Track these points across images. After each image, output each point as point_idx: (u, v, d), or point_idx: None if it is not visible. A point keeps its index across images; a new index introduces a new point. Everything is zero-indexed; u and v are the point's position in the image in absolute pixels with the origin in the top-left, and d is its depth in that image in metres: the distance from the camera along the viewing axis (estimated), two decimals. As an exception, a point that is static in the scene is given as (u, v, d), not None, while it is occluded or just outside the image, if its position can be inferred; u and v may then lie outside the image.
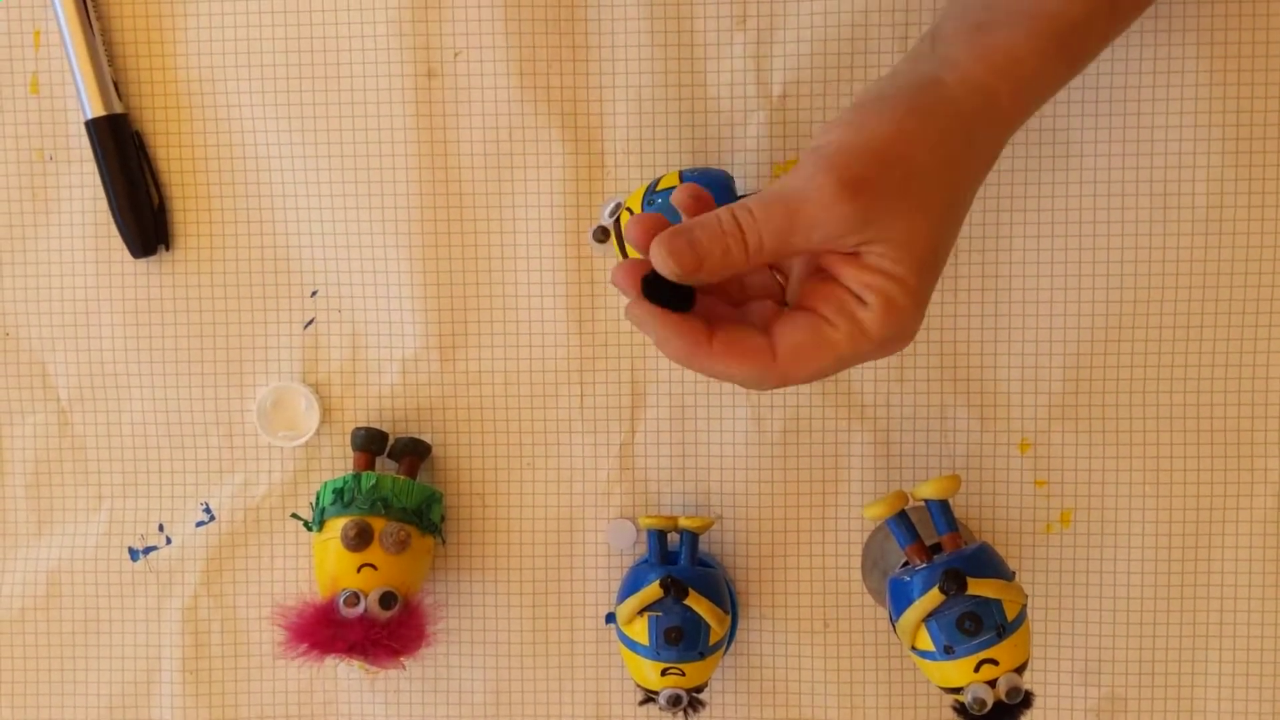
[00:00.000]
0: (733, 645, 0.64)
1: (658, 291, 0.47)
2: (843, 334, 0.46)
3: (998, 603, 0.53)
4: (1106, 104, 0.60)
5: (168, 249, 0.64)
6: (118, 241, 0.64)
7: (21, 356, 0.65)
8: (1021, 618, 0.54)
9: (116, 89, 0.63)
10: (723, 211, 0.47)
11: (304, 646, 0.58)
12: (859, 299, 0.47)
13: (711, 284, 0.48)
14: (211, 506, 0.65)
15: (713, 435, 0.63)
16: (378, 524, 0.59)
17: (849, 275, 0.47)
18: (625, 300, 0.47)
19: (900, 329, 0.47)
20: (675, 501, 0.64)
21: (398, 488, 0.61)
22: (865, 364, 0.61)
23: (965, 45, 0.49)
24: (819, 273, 0.48)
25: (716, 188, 0.57)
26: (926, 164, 0.47)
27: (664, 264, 0.46)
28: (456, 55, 0.62)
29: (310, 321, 0.64)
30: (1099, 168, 0.61)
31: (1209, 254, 0.61)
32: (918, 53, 0.51)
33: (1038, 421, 0.62)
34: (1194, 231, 0.61)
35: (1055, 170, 0.61)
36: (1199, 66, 0.60)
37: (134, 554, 0.66)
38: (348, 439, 0.64)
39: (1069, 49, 0.51)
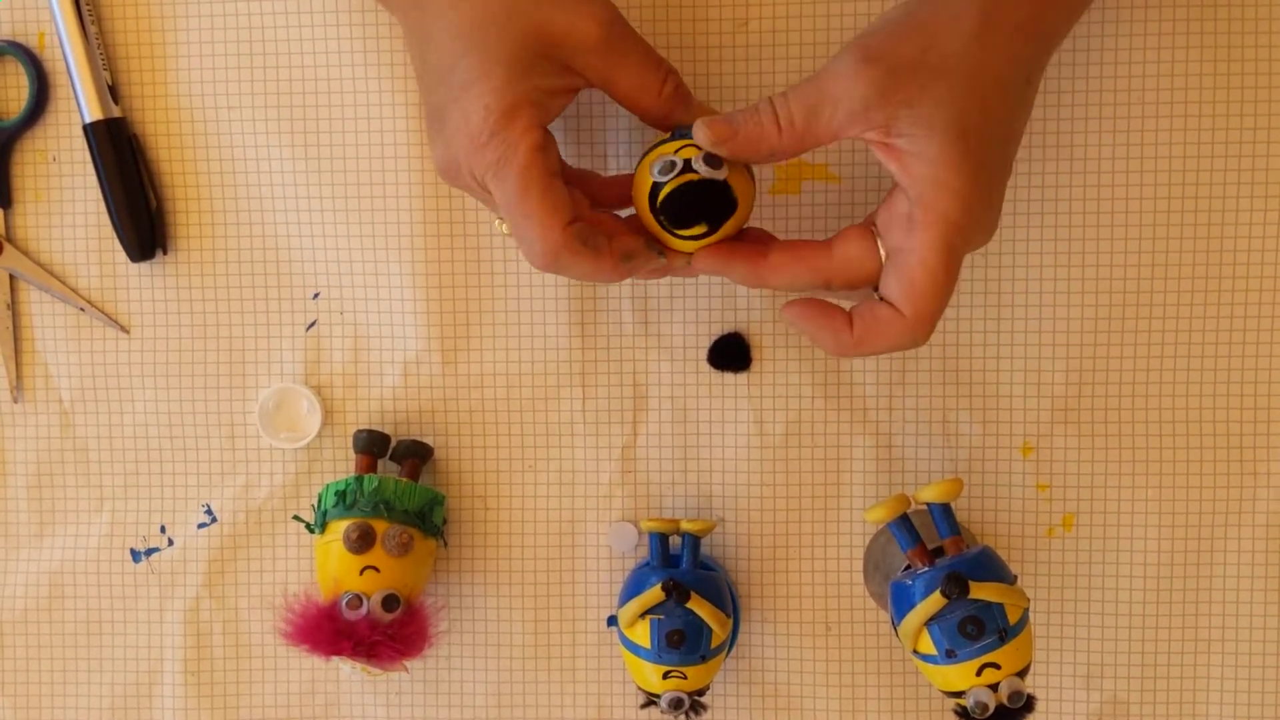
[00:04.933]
0: (734, 648, 0.64)
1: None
2: (913, 230, 0.48)
3: (1000, 606, 0.53)
4: (1110, 105, 0.60)
5: (165, 253, 0.64)
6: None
7: (24, 358, 0.66)
8: (1024, 622, 0.54)
9: (114, 93, 0.63)
10: (760, 100, 0.50)
11: (306, 647, 0.58)
12: (914, 193, 0.48)
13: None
14: (213, 508, 0.65)
15: (714, 438, 0.63)
16: (380, 526, 0.59)
17: (894, 169, 0.49)
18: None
19: (962, 207, 0.48)
20: (677, 504, 0.64)
21: (400, 490, 0.61)
22: (876, 356, 0.61)
23: None
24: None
25: None
26: (946, 32, 0.48)
27: (703, 134, 0.50)
28: (458, 57, 0.62)
29: (312, 323, 0.64)
30: (1101, 170, 0.60)
31: (1209, 256, 0.61)
32: None
33: (1040, 425, 0.62)
34: (1195, 234, 0.61)
35: (1056, 172, 0.61)
36: (1202, 70, 0.59)
37: (136, 555, 0.66)
38: (349, 441, 0.64)
39: None
